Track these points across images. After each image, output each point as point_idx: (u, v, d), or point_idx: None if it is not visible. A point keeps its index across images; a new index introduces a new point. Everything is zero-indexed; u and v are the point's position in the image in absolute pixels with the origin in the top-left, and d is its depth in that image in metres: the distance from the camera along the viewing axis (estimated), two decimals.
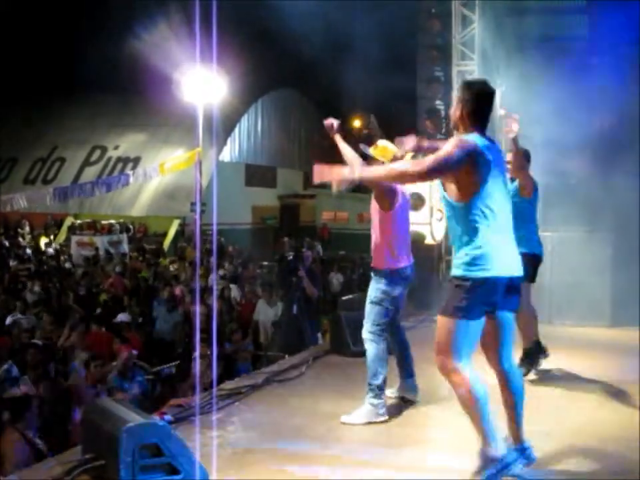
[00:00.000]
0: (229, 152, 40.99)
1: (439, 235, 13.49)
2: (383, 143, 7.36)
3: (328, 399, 7.65)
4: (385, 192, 7.21)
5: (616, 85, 12.63)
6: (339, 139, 7.42)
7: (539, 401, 7.79)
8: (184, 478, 4.92)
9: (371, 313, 7.25)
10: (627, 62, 12.58)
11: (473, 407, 5.22)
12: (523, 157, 8.68)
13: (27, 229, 35.17)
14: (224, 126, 37.31)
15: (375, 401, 7.02)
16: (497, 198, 5.31)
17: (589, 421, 7.17)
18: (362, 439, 6.58)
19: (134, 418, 5.04)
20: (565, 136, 12.86)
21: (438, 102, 14.82)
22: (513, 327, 5.64)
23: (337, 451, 6.21)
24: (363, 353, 7.91)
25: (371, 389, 7.06)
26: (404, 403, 7.64)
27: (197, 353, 10.57)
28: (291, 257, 12.90)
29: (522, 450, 5.46)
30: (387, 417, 7.04)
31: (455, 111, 5.49)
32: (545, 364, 8.83)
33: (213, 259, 22.45)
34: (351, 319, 9.43)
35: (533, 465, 5.52)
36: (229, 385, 8.28)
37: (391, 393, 7.60)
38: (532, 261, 8.45)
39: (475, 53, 13.62)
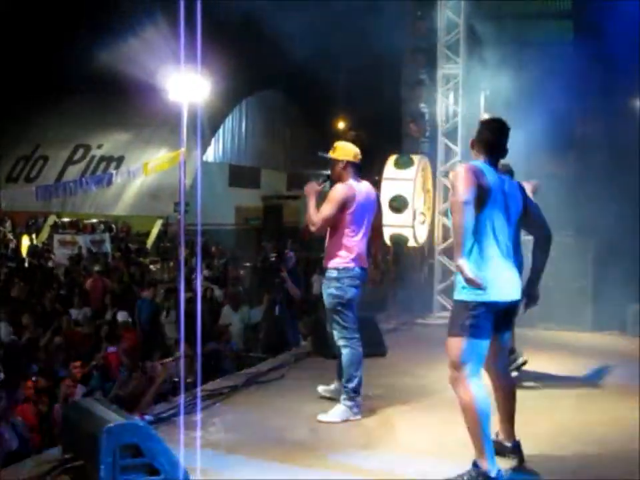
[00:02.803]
0: (213, 152, 40.94)
1: (422, 238, 13.51)
2: (341, 143, 7.59)
3: (310, 400, 7.65)
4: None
5: (601, 89, 12.69)
6: (311, 199, 7.55)
7: (521, 403, 7.83)
8: (164, 478, 4.90)
9: (332, 320, 7.36)
10: (613, 67, 12.63)
11: (475, 420, 5.38)
12: None
13: (9, 226, 35.02)
14: (208, 126, 37.27)
15: (349, 403, 7.18)
16: (497, 223, 5.52)
17: (571, 423, 7.20)
18: (344, 441, 6.59)
19: (114, 418, 5.03)
20: (548, 140, 12.92)
21: (422, 105, 14.83)
22: (509, 343, 6.10)
23: (319, 453, 6.22)
24: None
25: (346, 391, 7.21)
26: (384, 406, 7.67)
27: (181, 352, 10.54)
28: (274, 258, 12.88)
29: (516, 446, 5.88)
30: (360, 417, 7.17)
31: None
32: (527, 367, 8.86)
33: (198, 259, 22.38)
34: None
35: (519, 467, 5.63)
36: (210, 385, 8.27)
37: (324, 391, 7.73)
38: None
39: (459, 56, 13.65)
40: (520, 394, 7.86)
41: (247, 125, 43.91)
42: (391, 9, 14.43)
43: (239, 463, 5.92)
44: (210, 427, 6.78)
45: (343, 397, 7.20)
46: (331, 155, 7.48)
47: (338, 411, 7.14)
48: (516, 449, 5.88)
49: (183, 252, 21.10)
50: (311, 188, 7.55)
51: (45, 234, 34.52)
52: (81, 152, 39.79)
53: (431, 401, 7.88)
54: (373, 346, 9.99)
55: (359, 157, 7.51)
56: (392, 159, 13.26)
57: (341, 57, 31.98)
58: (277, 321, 12.00)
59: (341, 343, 7.29)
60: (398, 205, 12.81)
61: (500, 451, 5.77)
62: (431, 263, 14.39)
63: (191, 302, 14.60)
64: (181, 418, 6.81)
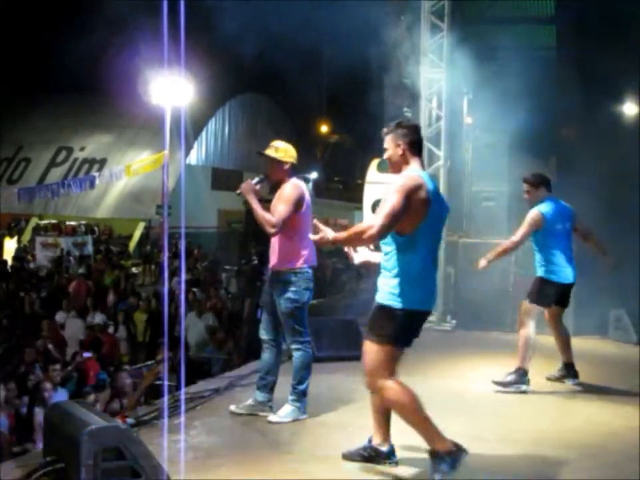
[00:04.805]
0: (196, 155, 40.92)
1: None
2: (282, 144, 7.57)
3: None
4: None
5: (581, 96, 12.73)
6: (252, 199, 7.60)
7: (502, 408, 7.85)
8: None
9: (287, 325, 7.30)
10: (595, 72, 12.68)
11: (411, 410, 5.35)
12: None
13: None
14: (191, 129, 37.26)
15: (298, 404, 7.22)
16: (435, 233, 5.56)
17: (553, 428, 7.21)
18: (326, 443, 6.58)
19: (96, 421, 5.00)
20: (529, 144, 12.95)
21: (405, 109, 14.85)
22: None
23: (301, 455, 6.23)
24: (326, 358, 7.98)
25: (296, 392, 7.25)
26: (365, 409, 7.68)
27: (165, 355, 10.52)
28: (256, 262, 12.86)
29: (391, 451, 5.81)
30: (306, 416, 7.21)
31: (394, 152, 5.76)
32: (507, 371, 8.86)
33: (181, 262, 22.36)
34: (315, 324, 9.42)
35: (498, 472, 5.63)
36: (192, 388, 8.25)
37: (236, 408, 7.40)
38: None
39: (443, 60, 13.67)
40: (500, 399, 7.89)
41: (229, 128, 43.94)
42: (375, 12, 14.43)
43: (220, 466, 5.90)
44: (191, 430, 6.76)
45: (291, 397, 7.22)
46: (276, 155, 7.44)
47: (287, 412, 7.17)
48: (391, 454, 5.84)
49: (166, 254, 21.09)
50: (249, 186, 7.55)
51: (27, 236, 34.44)
52: (63, 154, 39.69)
53: None
54: (354, 349, 9.97)
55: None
56: (375, 162, 13.27)
57: (324, 60, 32.03)
58: (259, 324, 11.96)
59: (294, 346, 7.29)
60: (376, 207, 12.81)
61: (375, 457, 5.82)
62: None
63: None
64: (165, 421, 6.79)
